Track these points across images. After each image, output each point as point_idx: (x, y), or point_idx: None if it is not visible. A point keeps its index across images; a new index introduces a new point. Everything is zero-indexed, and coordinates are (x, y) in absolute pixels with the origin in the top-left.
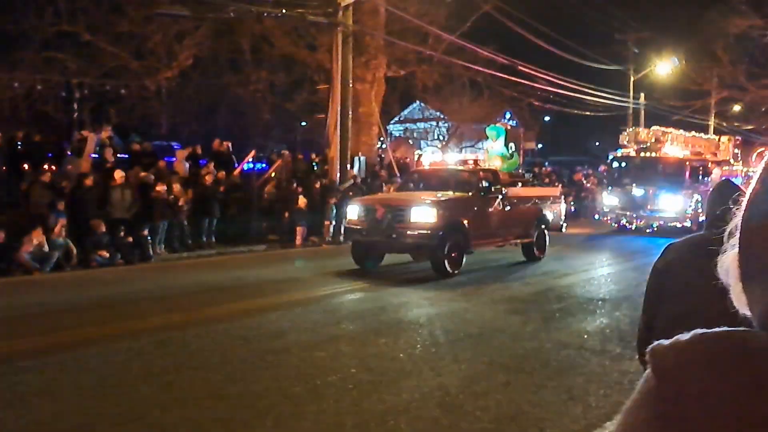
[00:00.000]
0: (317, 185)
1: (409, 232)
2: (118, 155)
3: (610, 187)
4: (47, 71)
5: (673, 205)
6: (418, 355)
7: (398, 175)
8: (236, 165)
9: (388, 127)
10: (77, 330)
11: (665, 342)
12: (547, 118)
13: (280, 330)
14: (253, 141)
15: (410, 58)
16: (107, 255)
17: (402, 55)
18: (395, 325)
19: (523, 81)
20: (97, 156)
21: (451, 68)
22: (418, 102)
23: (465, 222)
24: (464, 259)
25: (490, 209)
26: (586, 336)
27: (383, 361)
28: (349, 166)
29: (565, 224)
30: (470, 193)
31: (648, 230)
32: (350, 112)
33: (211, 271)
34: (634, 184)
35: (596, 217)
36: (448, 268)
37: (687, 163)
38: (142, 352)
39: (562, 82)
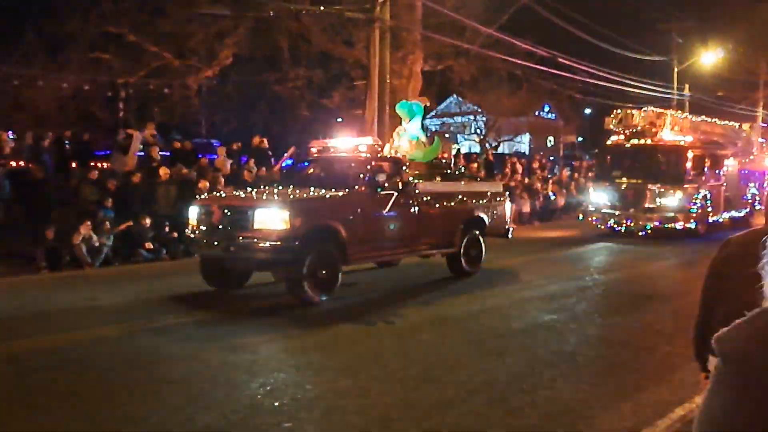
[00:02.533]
0: None
1: (252, 243)
2: (161, 153)
3: (596, 181)
4: (93, 72)
5: (673, 202)
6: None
7: None
8: (274, 161)
9: (424, 122)
10: (126, 323)
11: (726, 328)
12: (587, 111)
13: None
14: (291, 137)
15: (447, 52)
16: (152, 249)
17: (439, 49)
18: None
19: (562, 73)
20: (142, 154)
21: (488, 61)
22: (454, 96)
23: (340, 228)
24: (339, 279)
25: (385, 210)
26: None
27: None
28: None
29: (511, 228)
30: (352, 189)
31: (641, 233)
32: (387, 107)
33: None
34: (624, 177)
35: (580, 217)
36: (310, 293)
37: (690, 151)
38: (189, 344)
39: (604, 74)
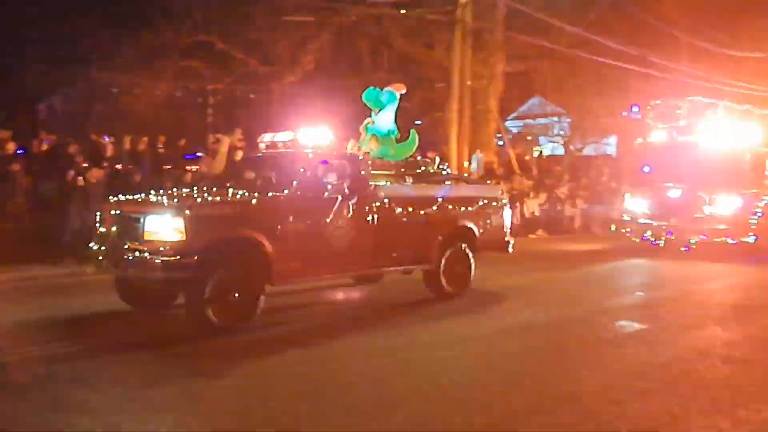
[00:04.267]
0: None
1: (141, 258)
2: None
3: (632, 186)
4: (185, 79)
5: (727, 212)
6: None
7: (517, 171)
8: None
9: (506, 124)
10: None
11: None
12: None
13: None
14: None
15: (531, 53)
16: None
17: (522, 50)
18: None
19: (654, 72)
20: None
21: (574, 62)
22: (537, 97)
23: (263, 240)
24: (260, 303)
25: (328, 218)
26: None
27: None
28: (466, 163)
29: (512, 241)
30: (281, 192)
31: (683, 248)
32: (468, 110)
33: None
34: (666, 182)
35: (612, 227)
36: (213, 319)
37: (749, 151)
38: (259, 341)
39: (700, 73)
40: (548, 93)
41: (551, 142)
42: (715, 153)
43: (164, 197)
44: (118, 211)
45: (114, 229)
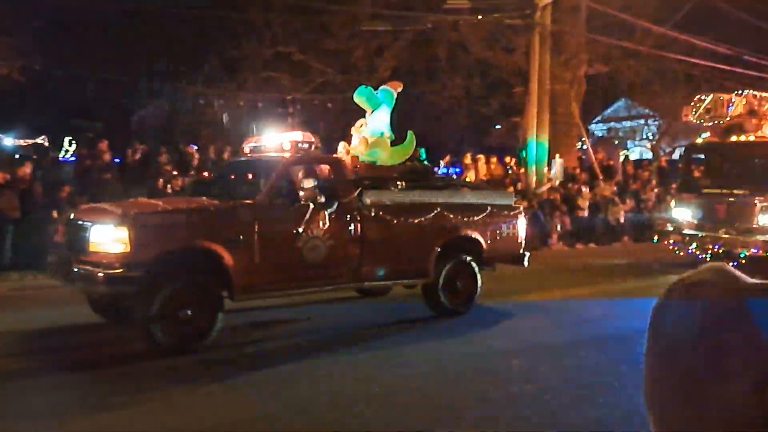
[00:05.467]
0: (511, 189)
1: (87, 271)
2: None
3: (678, 193)
4: (266, 89)
5: None
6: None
7: (600, 177)
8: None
9: (589, 127)
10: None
11: None
12: None
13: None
14: (447, 146)
15: (614, 55)
16: None
17: (605, 51)
18: None
19: (749, 72)
20: None
21: (661, 62)
22: (623, 99)
23: (223, 252)
24: (218, 321)
25: (300, 228)
26: None
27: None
28: (546, 169)
29: (527, 254)
30: (243, 200)
31: (732, 263)
32: (548, 114)
33: None
34: (715, 188)
35: (655, 239)
36: (160, 339)
37: None
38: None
39: None
40: (635, 95)
41: (639, 146)
42: None
43: (114, 206)
44: (72, 220)
45: (67, 238)
